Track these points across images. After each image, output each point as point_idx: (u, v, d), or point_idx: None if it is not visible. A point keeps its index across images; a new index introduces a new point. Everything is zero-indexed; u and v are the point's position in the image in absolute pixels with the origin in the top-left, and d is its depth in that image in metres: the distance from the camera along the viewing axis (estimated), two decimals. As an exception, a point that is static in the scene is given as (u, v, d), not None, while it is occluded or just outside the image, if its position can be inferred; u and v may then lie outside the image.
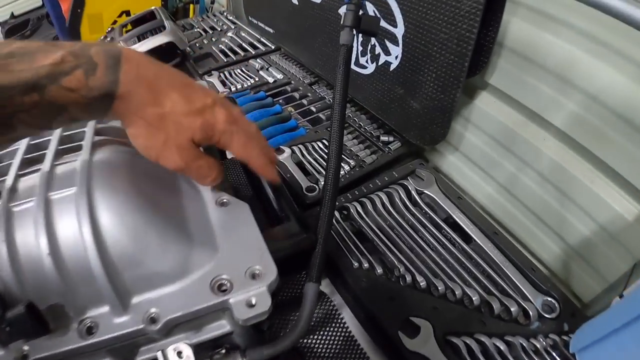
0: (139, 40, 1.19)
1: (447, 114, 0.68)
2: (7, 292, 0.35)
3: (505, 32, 0.65)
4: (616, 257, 0.62)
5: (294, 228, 0.48)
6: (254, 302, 0.37)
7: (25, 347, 0.35)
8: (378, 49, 0.78)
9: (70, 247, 0.36)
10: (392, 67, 0.76)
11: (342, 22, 0.54)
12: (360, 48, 0.82)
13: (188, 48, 1.29)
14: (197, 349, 0.40)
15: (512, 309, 0.60)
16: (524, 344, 0.58)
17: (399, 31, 0.71)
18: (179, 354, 0.39)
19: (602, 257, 0.63)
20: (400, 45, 0.72)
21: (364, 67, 0.84)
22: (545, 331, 0.60)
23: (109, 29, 1.35)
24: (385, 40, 0.75)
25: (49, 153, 0.42)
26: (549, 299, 0.62)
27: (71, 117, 0.37)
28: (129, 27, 1.35)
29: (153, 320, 0.36)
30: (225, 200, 0.45)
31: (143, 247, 0.38)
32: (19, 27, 2.18)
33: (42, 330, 0.35)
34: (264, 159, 0.46)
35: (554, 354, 0.58)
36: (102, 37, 1.34)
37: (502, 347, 0.57)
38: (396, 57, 0.74)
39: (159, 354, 0.39)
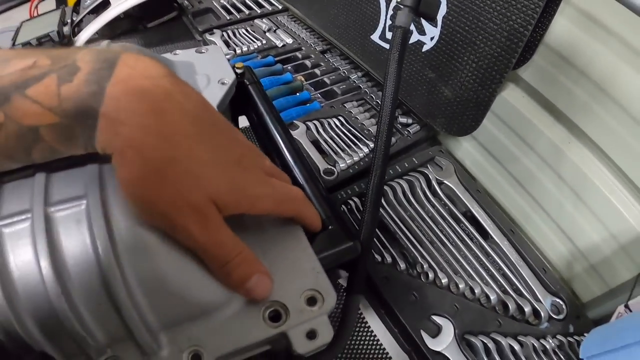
0: (131, -9, 1.07)
1: (482, 107, 0.66)
2: (11, 342, 0.27)
3: (550, 30, 0.62)
4: (621, 265, 0.63)
5: (339, 235, 0.40)
6: (315, 332, 0.31)
7: None
8: (411, 26, 0.73)
9: (86, 281, 0.28)
10: (425, 48, 0.71)
11: (400, 1, 0.49)
12: (390, 22, 0.77)
13: (186, 1, 1.19)
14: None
15: (525, 309, 0.61)
16: (535, 344, 0.59)
17: (440, 11, 0.66)
18: None
19: (607, 264, 0.65)
20: (439, 26, 0.67)
21: None
22: (553, 332, 0.61)
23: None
24: (422, 18, 0.70)
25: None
26: (558, 300, 0.64)
27: (51, 147, 0.27)
28: None
29: (197, 358, 0.29)
30: None
31: (177, 271, 0.30)
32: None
33: None
34: (312, 210, 0.38)
35: (560, 355, 0.59)
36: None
37: (516, 347, 0.58)
38: (432, 39, 0.70)
39: None
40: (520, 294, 0.63)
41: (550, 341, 0.60)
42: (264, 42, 1.03)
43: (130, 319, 0.28)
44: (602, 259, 0.65)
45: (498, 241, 0.68)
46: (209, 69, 0.55)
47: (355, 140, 0.78)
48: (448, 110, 0.71)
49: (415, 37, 0.72)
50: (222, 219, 0.30)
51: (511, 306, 0.61)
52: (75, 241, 0.28)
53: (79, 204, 0.29)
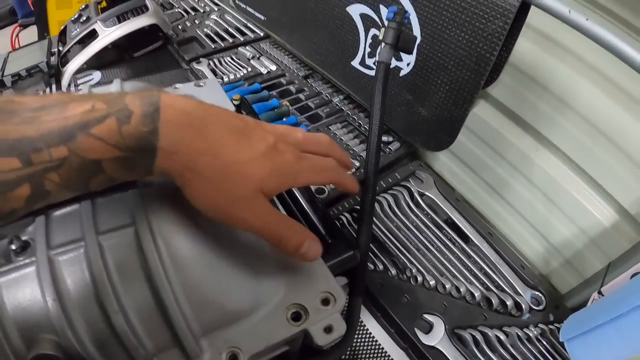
0: (119, 22, 1.11)
1: (456, 124, 0.72)
2: (68, 358, 0.31)
3: (514, 51, 0.69)
4: (592, 257, 0.70)
5: (340, 247, 0.48)
6: (331, 327, 0.38)
7: None
8: None
9: (139, 299, 0.33)
10: (402, 73, 0.78)
11: (381, 38, 0.56)
12: (369, 50, 0.84)
13: (171, 31, 1.21)
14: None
15: (507, 303, 0.68)
16: (519, 334, 0.65)
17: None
18: None
19: (580, 257, 0.72)
20: (415, 54, 0.74)
21: (371, 69, 0.85)
22: (535, 322, 0.68)
23: (83, 6, 1.24)
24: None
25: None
26: (537, 293, 0.71)
27: (110, 177, 0.32)
28: (104, 4, 1.27)
29: (234, 358, 0.34)
30: None
31: (217, 286, 0.35)
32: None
33: None
34: (346, 175, 0.44)
35: (543, 341, 0.66)
36: (75, 15, 1.24)
37: (502, 337, 0.64)
38: (408, 64, 0.76)
39: None
40: (502, 290, 0.70)
41: (533, 330, 0.66)
42: (249, 69, 1.07)
43: (179, 327, 0.33)
44: (575, 252, 0.73)
45: (478, 244, 0.74)
46: (209, 101, 0.60)
47: (343, 159, 0.83)
48: (425, 129, 0.78)
49: (393, 63, 0.77)
50: (269, 205, 0.36)
51: (494, 301, 0.67)
52: (127, 263, 0.33)
53: (127, 231, 0.34)
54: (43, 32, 1.55)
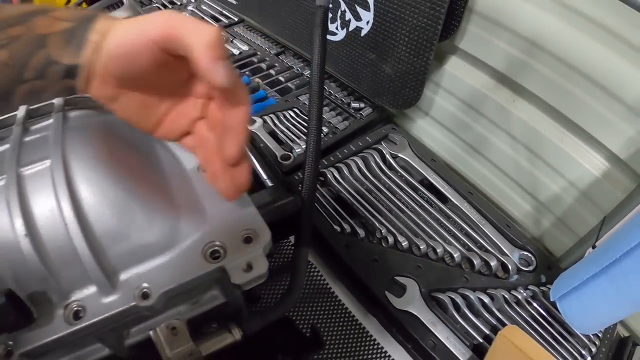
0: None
1: (420, 76, 0.68)
2: None
3: None
4: (586, 212, 0.64)
5: (278, 192, 0.44)
6: (251, 265, 0.34)
7: (9, 342, 0.31)
8: (348, 15, 0.77)
9: (49, 226, 0.32)
10: (363, 32, 0.75)
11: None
12: (330, 15, 0.81)
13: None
14: (190, 324, 0.38)
15: (491, 264, 0.62)
16: (506, 296, 0.59)
17: (371, -4, 0.70)
18: (173, 330, 0.36)
19: (572, 213, 0.66)
20: (372, 10, 0.71)
21: (334, 34, 0.82)
22: (524, 283, 0.62)
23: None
24: (356, 6, 0.74)
25: (16, 126, 0.38)
26: (526, 253, 0.65)
27: (47, 57, 0.32)
28: (84, 5, 1.31)
29: (145, 295, 0.33)
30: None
31: (128, 219, 0.34)
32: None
33: (26, 320, 0.31)
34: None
35: (534, 304, 0.60)
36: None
37: (486, 300, 0.58)
38: (367, 23, 0.73)
39: (152, 333, 0.36)
40: (486, 250, 0.64)
41: (523, 292, 0.60)
42: (221, 52, 1.06)
43: (85, 259, 0.32)
44: (567, 209, 0.66)
45: (457, 203, 0.68)
46: None
47: (311, 127, 0.80)
48: (391, 87, 0.74)
49: (353, 24, 0.76)
50: None
51: (476, 262, 0.61)
52: (39, 191, 0.33)
53: (45, 163, 0.34)
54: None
